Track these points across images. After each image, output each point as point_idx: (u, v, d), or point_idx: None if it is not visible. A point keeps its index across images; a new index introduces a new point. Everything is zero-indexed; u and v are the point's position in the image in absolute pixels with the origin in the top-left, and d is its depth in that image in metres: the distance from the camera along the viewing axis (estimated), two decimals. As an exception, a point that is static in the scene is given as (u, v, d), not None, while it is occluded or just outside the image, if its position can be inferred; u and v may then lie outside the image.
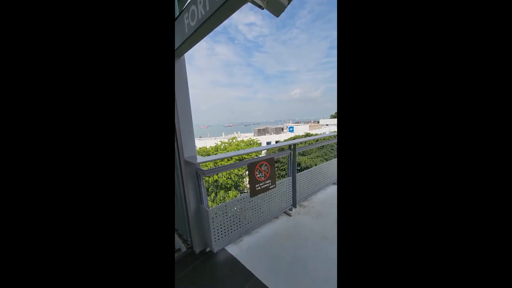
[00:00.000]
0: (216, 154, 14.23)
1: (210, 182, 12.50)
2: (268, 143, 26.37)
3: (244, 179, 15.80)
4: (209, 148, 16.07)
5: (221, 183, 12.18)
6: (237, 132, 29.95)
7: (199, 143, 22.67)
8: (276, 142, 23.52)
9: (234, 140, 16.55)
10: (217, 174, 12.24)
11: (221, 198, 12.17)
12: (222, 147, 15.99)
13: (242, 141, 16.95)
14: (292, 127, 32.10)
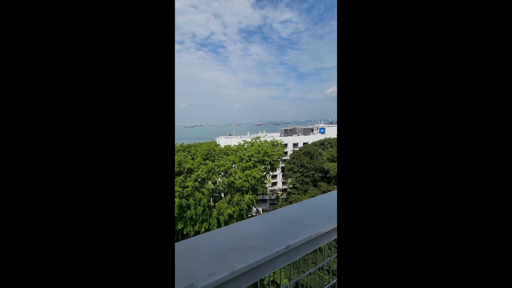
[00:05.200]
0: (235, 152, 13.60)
1: (226, 182, 11.93)
2: (295, 144, 24.48)
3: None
4: (233, 146, 15.70)
5: (237, 185, 11.44)
6: (262, 132, 29.00)
7: (226, 141, 22.77)
8: (304, 144, 21.44)
9: (257, 140, 15.70)
10: (233, 176, 11.62)
11: (236, 201, 11.42)
12: (244, 146, 15.37)
13: (266, 141, 15.91)
14: (324, 129, 29.23)
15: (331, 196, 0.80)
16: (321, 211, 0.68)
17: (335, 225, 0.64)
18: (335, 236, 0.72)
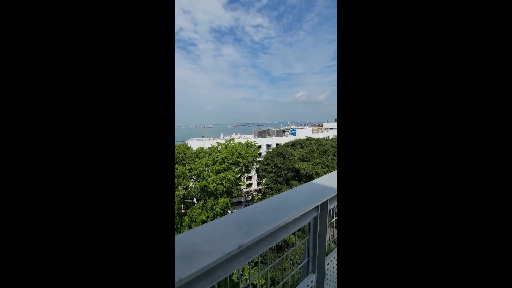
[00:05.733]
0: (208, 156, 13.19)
1: (198, 187, 11.39)
2: (268, 145, 25.16)
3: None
4: (205, 149, 15.08)
5: (211, 189, 11.05)
6: (236, 133, 28.83)
7: (198, 144, 21.69)
8: (277, 145, 22.28)
9: (231, 142, 15.51)
10: (206, 180, 11.19)
11: (210, 205, 11.01)
12: (218, 148, 14.98)
13: (240, 143, 15.87)
14: (294, 130, 31.04)
15: (285, 194, 0.85)
16: (275, 208, 0.72)
17: (289, 220, 0.69)
18: (292, 231, 0.78)
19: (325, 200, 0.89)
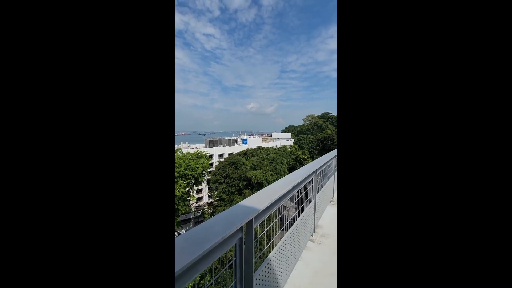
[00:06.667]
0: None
1: None
2: (220, 155, 24.60)
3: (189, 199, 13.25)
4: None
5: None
6: (185, 143, 26.48)
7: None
8: (229, 154, 22.16)
9: (178, 153, 14.04)
10: None
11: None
12: (161, 160, 13.10)
13: (189, 153, 14.64)
14: (246, 140, 32.14)
15: (206, 224, 0.85)
16: (193, 241, 0.70)
17: (208, 250, 0.68)
18: (215, 258, 0.76)
19: (250, 219, 0.94)
